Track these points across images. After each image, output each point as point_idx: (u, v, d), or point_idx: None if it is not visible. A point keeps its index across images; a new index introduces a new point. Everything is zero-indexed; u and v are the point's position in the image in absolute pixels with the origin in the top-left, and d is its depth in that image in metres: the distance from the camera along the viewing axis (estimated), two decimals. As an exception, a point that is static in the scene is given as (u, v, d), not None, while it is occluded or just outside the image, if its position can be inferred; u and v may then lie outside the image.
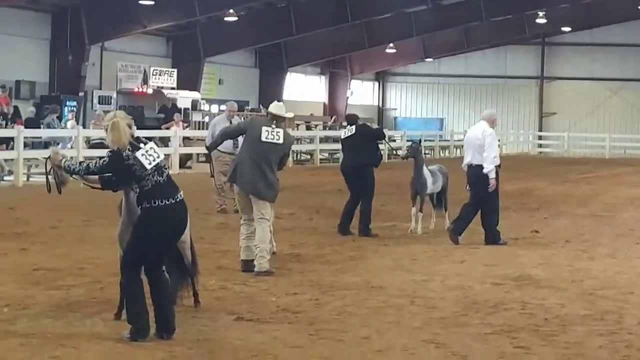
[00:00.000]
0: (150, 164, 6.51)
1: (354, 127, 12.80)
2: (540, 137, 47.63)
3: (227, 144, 13.81)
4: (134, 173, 6.49)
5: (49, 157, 6.93)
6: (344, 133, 13.17)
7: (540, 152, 45.71)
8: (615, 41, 46.71)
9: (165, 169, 6.69)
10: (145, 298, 6.65)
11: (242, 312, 7.47)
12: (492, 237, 11.82)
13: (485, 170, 11.67)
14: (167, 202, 6.53)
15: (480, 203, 11.81)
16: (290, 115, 10.27)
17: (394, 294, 8.47)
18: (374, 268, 9.92)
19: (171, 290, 7.65)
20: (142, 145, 6.57)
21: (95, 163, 6.68)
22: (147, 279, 6.73)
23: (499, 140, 45.91)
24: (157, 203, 6.50)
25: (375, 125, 15.13)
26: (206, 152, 13.55)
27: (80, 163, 6.89)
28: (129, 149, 6.51)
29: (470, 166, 11.80)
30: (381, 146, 15.56)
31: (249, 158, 9.38)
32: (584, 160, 39.02)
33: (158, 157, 6.58)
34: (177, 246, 7.56)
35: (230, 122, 14.39)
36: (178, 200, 6.62)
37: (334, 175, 23.17)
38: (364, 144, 12.56)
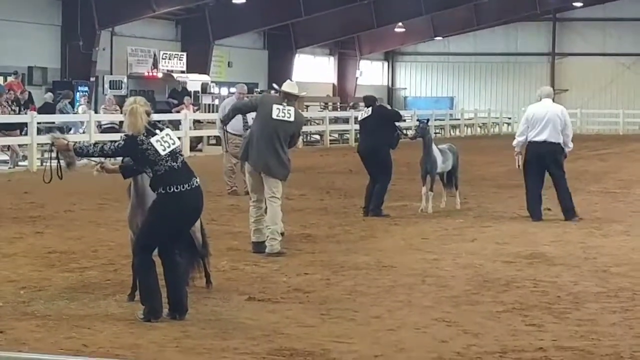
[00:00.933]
0: (164, 150, 6.55)
1: (370, 108, 12.77)
2: (552, 115, 47.39)
3: (237, 126, 13.83)
4: (148, 157, 6.54)
5: (52, 143, 6.94)
6: (360, 115, 13.19)
7: (552, 130, 45.49)
8: (629, 15, 46.26)
9: (181, 155, 6.72)
10: (157, 279, 6.71)
11: (253, 293, 7.52)
12: (573, 211, 12.04)
13: (568, 149, 12.18)
14: (182, 189, 6.57)
15: (562, 177, 11.98)
16: (303, 93, 10.28)
17: (404, 273, 8.49)
18: (384, 247, 9.94)
19: (183, 271, 7.73)
20: (157, 131, 6.61)
21: (110, 145, 6.72)
22: (161, 260, 6.78)
23: (509, 118, 45.88)
24: (172, 189, 6.55)
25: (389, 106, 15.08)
26: (218, 133, 13.63)
27: (94, 145, 6.92)
28: (144, 134, 6.55)
29: (545, 143, 11.88)
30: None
31: (260, 136, 9.38)
32: (597, 137, 38.84)
33: (173, 143, 6.63)
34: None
35: None
36: (194, 186, 6.65)
37: (344, 156, 23.19)
38: (380, 126, 12.50)
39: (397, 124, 12.96)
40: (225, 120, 10.91)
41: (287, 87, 9.70)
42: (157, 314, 6.58)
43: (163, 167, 6.56)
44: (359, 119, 13.28)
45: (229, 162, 14.55)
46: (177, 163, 6.61)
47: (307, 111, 33.52)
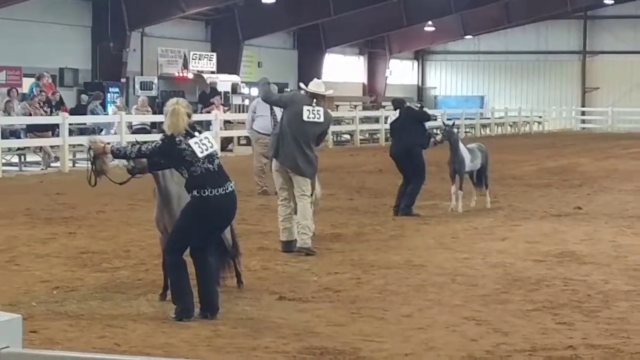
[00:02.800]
0: (202, 152, 6.60)
1: (398, 111, 12.83)
2: (583, 113, 46.96)
3: (266, 126, 13.88)
4: (184, 158, 6.58)
5: (89, 147, 6.97)
6: (390, 118, 13.26)
7: (584, 128, 45.09)
8: (662, 12, 45.73)
9: (217, 158, 6.76)
10: (189, 279, 6.77)
11: (284, 292, 7.56)
12: None
13: None
14: (216, 193, 6.61)
15: None
16: (331, 92, 10.27)
17: (434, 272, 8.49)
18: (414, 247, 9.95)
19: (214, 271, 7.80)
20: (196, 133, 6.66)
21: (148, 146, 6.75)
22: (193, 260, 6.84)
23: (540, 117, 45.53)
24: (206, 193, 6.59)
25: (417, 105, 14.99)
26: (247, 133, 13.69)
27: (132, 145, 6.90)
28: (182, 135, 6.60)
29: None
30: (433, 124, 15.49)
31: (290, 135, 9.42)
32: (629, 135, 38.44)
33: (212, 147, 6.68)
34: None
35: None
36: (228, 190, 6.68)
37: (374, 156, 23.18)
38: (410, 127, 12.55)
39: (426, 124, 13.00)
40: (268, 99, 10.27)
41: (313, 86, 9.72)
42: (189, 314, 6.65)
43: (199, 169, 6.60)
44: (388, 121, 13.38)
45: (259, 162, 14.62)
46: (213, 165, 6.65)
47: (337, 110, 33.55)
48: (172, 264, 6.76)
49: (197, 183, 6.60)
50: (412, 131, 12.53)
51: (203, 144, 6.62)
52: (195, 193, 6.61)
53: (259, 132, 13.68)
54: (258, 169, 14.77)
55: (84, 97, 24.97)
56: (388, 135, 13.94)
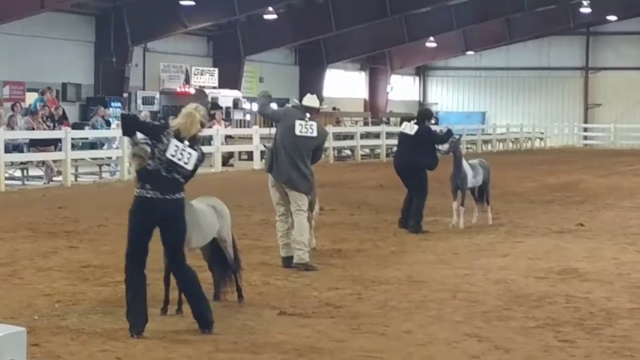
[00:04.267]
0: (172, 156, 6.40)
1: (416, 125, 12.38)
2: (585, 129, 47.01)
3: None
4: (154, 148, 6.44)
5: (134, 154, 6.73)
6: (404, 126, 12.69)
7: (586, 145, 45.12)
8: (665, 29, 45.81)
9: (180, 175, 6.47)
10: (140, 292, 6.53)
11: (285, 307, 7.54)
12: None
13: None
14: (148, 195, 6.40)
15: None
16: (325, 106, 10.22)
17: (436, 288, 8.47)
18: (415, 262, 9.93)
19: (214, 286, 7.79)
20: (187, 143, 6.51)
21: (146, 120, 6.77)
22: (172, 274, 6.79)
23: (542, 133, 45.58)
24: (139, 191, 6.47)
25: (440, 128, 14.42)
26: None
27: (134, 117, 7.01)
28: (175, 133, 6.46)
29: None
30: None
31: (283, 150, 9.40)
32: (632, 152, 38.45)
33: (185, 163, 6.43)
34: (219, 244, 7.66)
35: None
36: (163, 197, 6.40)
37: (375, 171, 23.18)
38: (422, 147, 12.24)
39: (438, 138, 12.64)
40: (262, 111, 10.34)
41: (307, 101, 9.69)
42: (135, 330, 6.45)
43: (153, 166, 6.43)
44: (402, 129, 12.74)
45: None
46: (167, 174, 6.42)
47: (344, 126, 33.59)
48: (125, 272, 6.60)
49: (140, 178, 6.46)
50: (422, 151, 12.23)
51: (181, 154, 6.43)
52: (134, 191, 6.53)
53: None
54: None
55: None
56: (393, 149, 13.49)
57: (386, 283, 8.66)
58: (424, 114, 12.91)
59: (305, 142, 9.41)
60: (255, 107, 32.33)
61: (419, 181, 12.32)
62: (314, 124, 9.48)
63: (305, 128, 9.39)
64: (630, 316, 7.41)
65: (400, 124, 13.24)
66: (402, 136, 12.73)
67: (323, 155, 9.92)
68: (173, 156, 6.44)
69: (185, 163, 6.49)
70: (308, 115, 9.51)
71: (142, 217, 6.48)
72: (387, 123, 36.82)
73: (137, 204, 6.51)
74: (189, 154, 6.51)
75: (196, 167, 6.59)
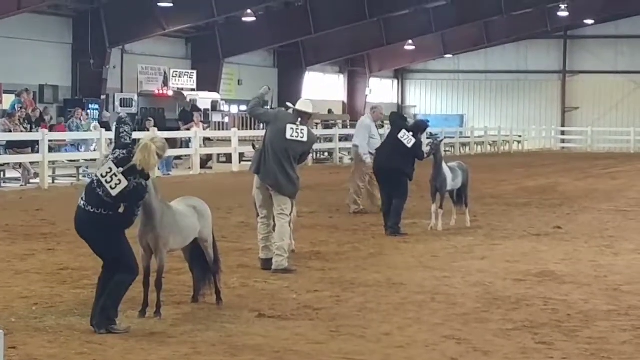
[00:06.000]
0: (101, 175, 6.66)
1: (414, 140, 12.31)
2: (563, 133, 47.32)
3: (376, 146, 14.04)
4: (102, 163, 6.84)
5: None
6: (403, 135, 12.40)
7: (563, 148, 45.43)
8: (641, 33, 46.16)
9: (100, 187, 6.67)
10: (98, 290, 6.89)
11: (263, 309, 7.53)
12: None
13: None
14: (80, 204, 6.77)
15: None
16: (315, 111, 10.22)
17: (414, 290, 8.49)
18: (394, 265, 9.94)
19: (194, 288, 7.77)
20: (120, 169, 6.61)
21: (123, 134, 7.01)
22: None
23: (519, 136, 45.81)
24: (79, 201, 6.81)
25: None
26: (363, 157, 14.33)
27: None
28: (120, 155, 6.67)
29: None
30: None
31: (272, 152, 9.39)
32: (609, 155, 38.75)
33: (110, 186, 6.60)
34: (200, 244, 7.65)
35: (377, 126, 15.02)
36: (86, 208, 6.72)
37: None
38: (410, 156, 12.30)
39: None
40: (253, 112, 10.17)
41: (301, 105, 9.70)
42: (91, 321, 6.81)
43: (93, 180, 6.76)
44: (400, 137, 12.43)
45: (362, 182, 14.64)
46: (98, 188, 6.65)
47: (316, 128, 33.57)
48: None
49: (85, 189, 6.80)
50: (408, 161, 12.27)
51: (111, 177, 6.61)
52: None
53: (372, 154, 13.97)
54: (360, 187, 14.70)
55: (106, 113, 25.28)
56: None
57: (365, 285, 8.67)
58: (420, 127, 12.95)
59: (295, 146, 9.41)
60: (234, 109, 32.35)
61: (400, 184, 12.32)
62: (305, 128, 9.49)
63: (296, 132, 9.40)
64: (607, 318, 7.46)
65: (392, 125, 13.11)
66: (395, 142, 12.47)
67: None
68: (103, 177, 6.68)
69: (112, 187, 6.65)
70: (299, 119, 9.51)
71: (75, 224, 6.85)
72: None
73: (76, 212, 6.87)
74: (119, 180, 6.64)
75: (124, 196, 6.64)
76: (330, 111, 37.82)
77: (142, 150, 6.60)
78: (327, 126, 36.26)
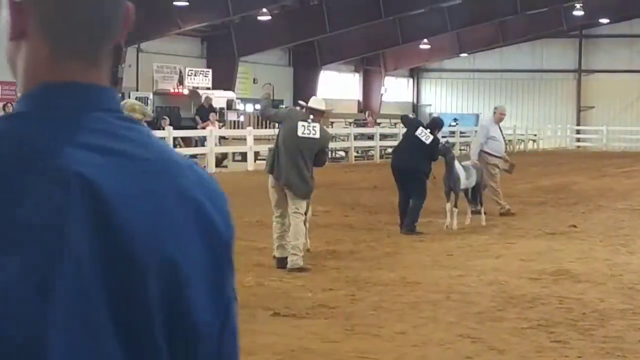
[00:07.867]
0: None
1: (431, 137, 12.38)
2: (578, 132, 47.10)
3: (499, 147, 14.05)
4: None
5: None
6: (421, 132, 12.48)
7: (579, 147, 45.21)
8: (657, 32, 45.92)
9: None
10: None
11: (279, 308, 7.54)
12: None
13: None
14: None
15: None
16: (331, 109, 10.24)
17: (429, 289, 8.48)
18: (409, 264, 9.94)
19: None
20: None
21: None
22: None
23: (535, 135, 45.67)
24: None
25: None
26: (500, 159, 14.41)
27: None
28: None
29: None
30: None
31: (285, 152, 9.40)
32: (624, 154, 38.54)
33: None
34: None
35: (499, 126, 14.85)
36: None
37: (369, 173, 23.19)
38: (427, 154, 12.32)
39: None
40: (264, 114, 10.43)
41: (313, 103, 9.73)
42: None
43: None
44: (417, 134, 12.44)
45: (494, 182, 14.62)
46: None
47: (332, 127, 33.60)
48: None
49: None
50: (425, 159, 12.27)
51: None
52: None
53: (488, 154, 13.98)
54: (494, 189, 14.65)
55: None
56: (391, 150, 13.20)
57: (380, 284, 8.67)
58: (437, 124, 12.96)
59: (307, 144, 9.40)
60: (249, 108, 32.40)
61: (418, 184, 12.27)
62: (317, 125, 9.49)
63: (307, 129, 9.40)
64: (622, 317, 7.43)
65: (404, 125, 13.21)
66: (412, 139, 12.45)
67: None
68: None
69: None
70: (311, 116, 9.51)
71: None
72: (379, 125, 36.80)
73: None
74: None
75: None
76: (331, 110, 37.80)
77: None
78: (358, 125, 36.03)
